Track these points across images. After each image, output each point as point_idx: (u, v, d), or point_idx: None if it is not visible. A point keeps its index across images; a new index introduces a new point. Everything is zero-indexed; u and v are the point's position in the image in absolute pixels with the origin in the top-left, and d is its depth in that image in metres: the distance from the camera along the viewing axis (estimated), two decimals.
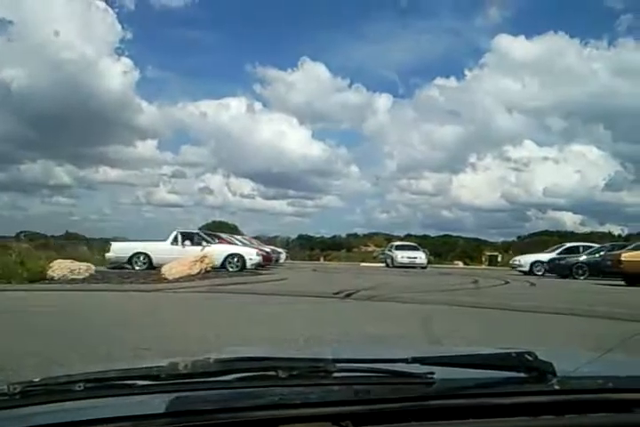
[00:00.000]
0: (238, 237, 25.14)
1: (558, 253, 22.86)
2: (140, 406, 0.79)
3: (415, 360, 0.91)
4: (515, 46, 53.70)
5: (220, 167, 70.18)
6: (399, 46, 66.73)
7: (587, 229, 51.41)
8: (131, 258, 17.83)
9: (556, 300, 10.63)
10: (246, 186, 70.99)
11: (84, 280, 12.03)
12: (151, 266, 17.42)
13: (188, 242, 18.24)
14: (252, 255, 18.70)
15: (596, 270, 18.84)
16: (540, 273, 22.35)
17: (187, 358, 0.91)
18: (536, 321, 7.52)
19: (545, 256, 23.34)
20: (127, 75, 50.89)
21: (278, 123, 59.66)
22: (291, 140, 60.93)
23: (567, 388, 0.89)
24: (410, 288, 13.01)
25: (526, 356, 0.93)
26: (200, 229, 29.75)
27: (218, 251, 17.65)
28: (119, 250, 18.31)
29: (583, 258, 20.97)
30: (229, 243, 20.74)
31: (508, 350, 0.98)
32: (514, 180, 62.25)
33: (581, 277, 19.93)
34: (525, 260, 23.94)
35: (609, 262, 17.40)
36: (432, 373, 0.86)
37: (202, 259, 14.09)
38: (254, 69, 70.81)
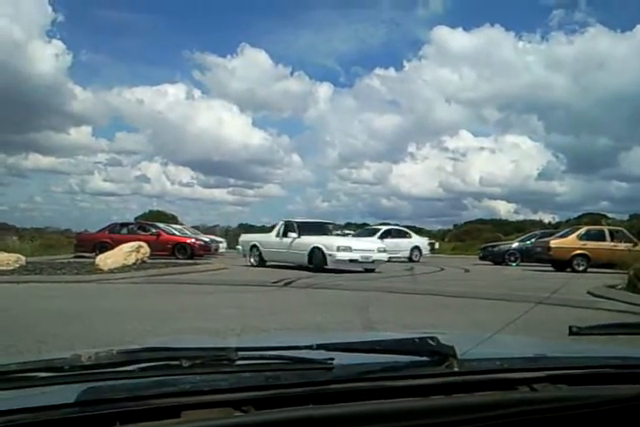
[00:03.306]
0: (177, 226, 24.70)
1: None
2: (42, 398, 0.79)
3: (320, 347, 0.93)
4: (453, 38, 54.58)
5: (158, 155, 68.59)
6: (340, 35, 66.75)
7: (520, 217, 53.22)
8: (250, 249, 17.02)
9: (485, 286, 10.98)
10: (185, 174, 69.91)
11: (13, 272, 11.62)
12: (262, 261, 16.56)
13: (291, 233, 16.12)
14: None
15: (528, 257, 19.54)
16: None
17: (90, 351, 0.91)
18: (465, 306, 7.77)
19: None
20: (59, 58, 48.70)
21: (218, 110, 58.68)
22: (231, 127, 60.02)
23: (463, 370, 0.93)
24: (348, 275, 13.18)
25: (428, 340, 0.97)
26: (137, 218, 28.94)
27: (305, 243, 15.74)
28: (244, 242, 17.64)
29: (515, 245, 21.74)
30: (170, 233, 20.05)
31: (413, 336, 1.01)
32: (451, 169, 63.73)
33: (513, 264, 20.67)
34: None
35: (539, 249, 18.15)
36: (332, 358, 0.89)
37: (138, 249, 13.81)
38: (192, 55, 69.20)
